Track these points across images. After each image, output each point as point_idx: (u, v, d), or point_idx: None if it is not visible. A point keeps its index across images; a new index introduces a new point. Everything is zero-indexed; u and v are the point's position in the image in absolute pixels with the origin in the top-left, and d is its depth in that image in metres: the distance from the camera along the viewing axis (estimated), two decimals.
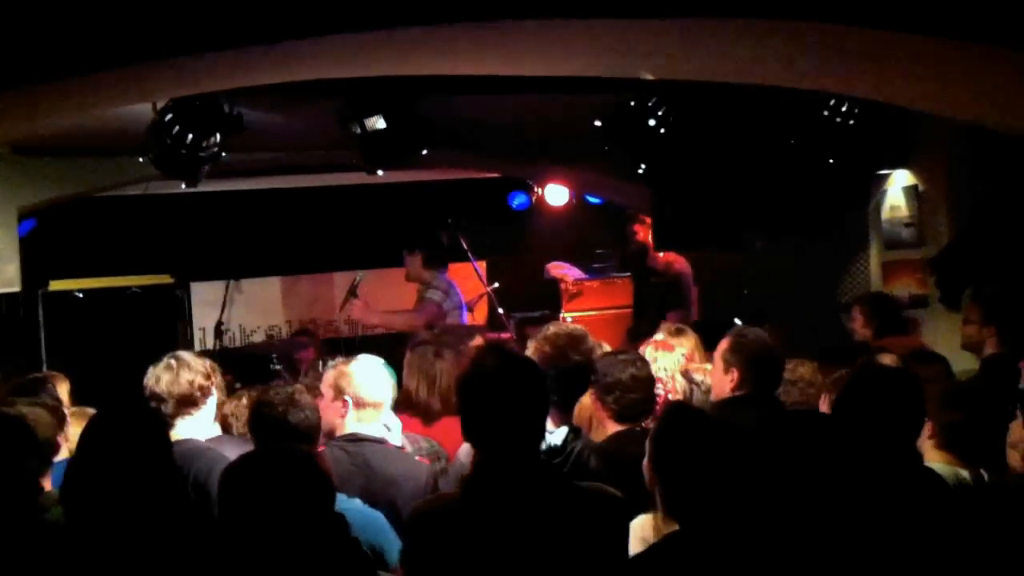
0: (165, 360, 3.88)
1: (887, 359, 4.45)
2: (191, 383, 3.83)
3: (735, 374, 4.00)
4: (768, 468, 3.05)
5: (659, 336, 4.83)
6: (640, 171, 4.53)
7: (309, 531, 2.53)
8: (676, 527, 2.83)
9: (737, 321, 5.98)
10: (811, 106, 4.94)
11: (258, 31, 3.15)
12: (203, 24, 3.10)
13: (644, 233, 7.66)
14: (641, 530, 3.10)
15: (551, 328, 3.85)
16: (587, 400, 3.93)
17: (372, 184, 8.58)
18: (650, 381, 3.97)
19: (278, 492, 2.52)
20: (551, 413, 3.41)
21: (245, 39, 3.16)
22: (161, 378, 3.83)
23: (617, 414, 3.89)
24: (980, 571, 2.90)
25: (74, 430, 4.00)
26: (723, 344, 4.11)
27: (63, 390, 4.42)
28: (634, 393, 3.89)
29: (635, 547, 2.98)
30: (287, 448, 2.96)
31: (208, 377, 3.89)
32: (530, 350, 3.81)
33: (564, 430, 3.59)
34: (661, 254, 7.58)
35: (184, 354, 3.97)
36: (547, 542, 2.70)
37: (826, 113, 4.81)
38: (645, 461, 2.99)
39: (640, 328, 6.48)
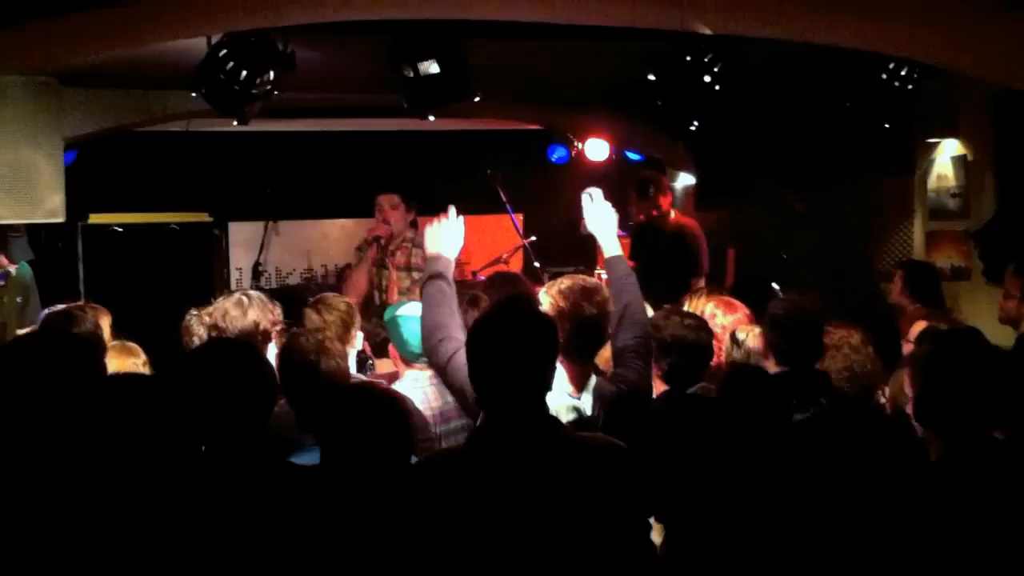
0: (236, 295, 3.90)
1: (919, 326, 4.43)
2: (256, 324, 3.83)
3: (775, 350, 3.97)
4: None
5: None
6: (692, 127, 4.47)
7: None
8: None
9: (774, 286, 5.95)
10: (867, 68, 4.86)
11: None
12: None
13: (665, 197, 7.57)
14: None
15: (564, 281, 3.65)
16: (606, 353, 3.89)
17: (412, 131, 8.57)
18: (708, 349, 3.96)
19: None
20: (571, 369, 3.45)
21: None
22: (228, 312, 3.83)
23: (667, 375, 3.91)
24: None
25: (116, 363, 4.05)
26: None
27: (104, 323, 4.41)
28: (690, 357, 3.90)
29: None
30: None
31: (273, 324, 3.88)
32: (544, 305, 3.74)
33: (590, 398, 3.53)
34: (673, 215, 7.49)
35: (255, 294, 3.97)
36: (553, 493, 2.70)
37: (884, 76, 4.72)
38: None
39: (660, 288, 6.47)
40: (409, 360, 4.11)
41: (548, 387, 2.86)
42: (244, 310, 3.83)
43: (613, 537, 2.71)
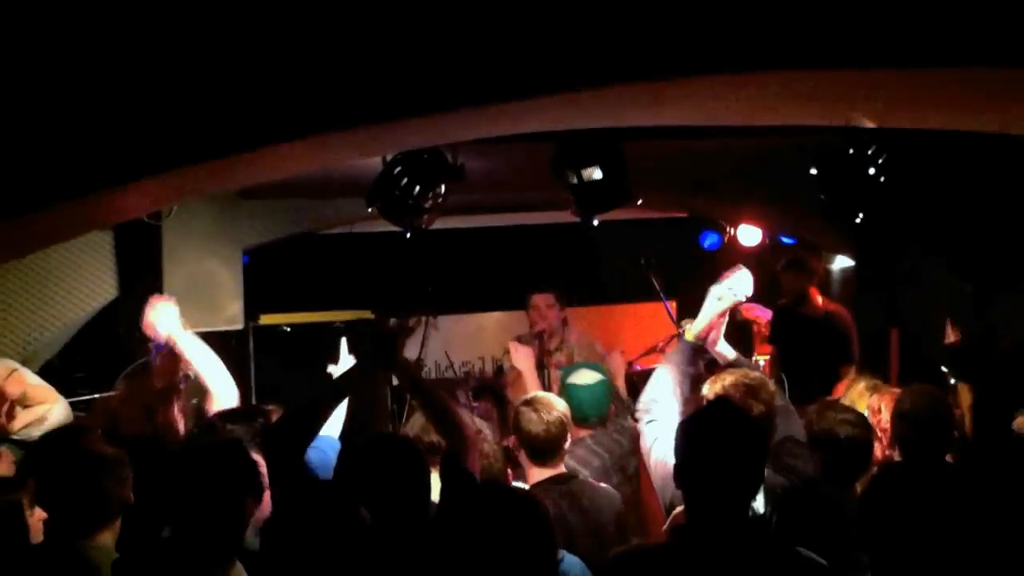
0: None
1: None
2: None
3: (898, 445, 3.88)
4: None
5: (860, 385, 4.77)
6: (858, 220, 4.45)
7: None
8: None
9: (944, 369, 5.76)
10: None
11: (485, 93, 3.28)
12: (438, 87, 3.26)
13: (816, 275, 7.45)
14: None
15: (727, 378, 3.73)
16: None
17: (560, 223, 8.72)
18: (867, 445, 3.89)
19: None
20: None
21: (474, 100, 3.31)
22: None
23: (824, 472, 3.84)
24: None
25: None
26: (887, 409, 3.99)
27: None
28: (849, 454, 3.83)
29: None
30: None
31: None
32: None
33: (760, 495, 3.51)
34: (820, 301, 7.34)
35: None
36: None
37: None
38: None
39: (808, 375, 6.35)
40: (578, 424, 4.46)
41: (756, 491, 2.87)
42: None
43: None
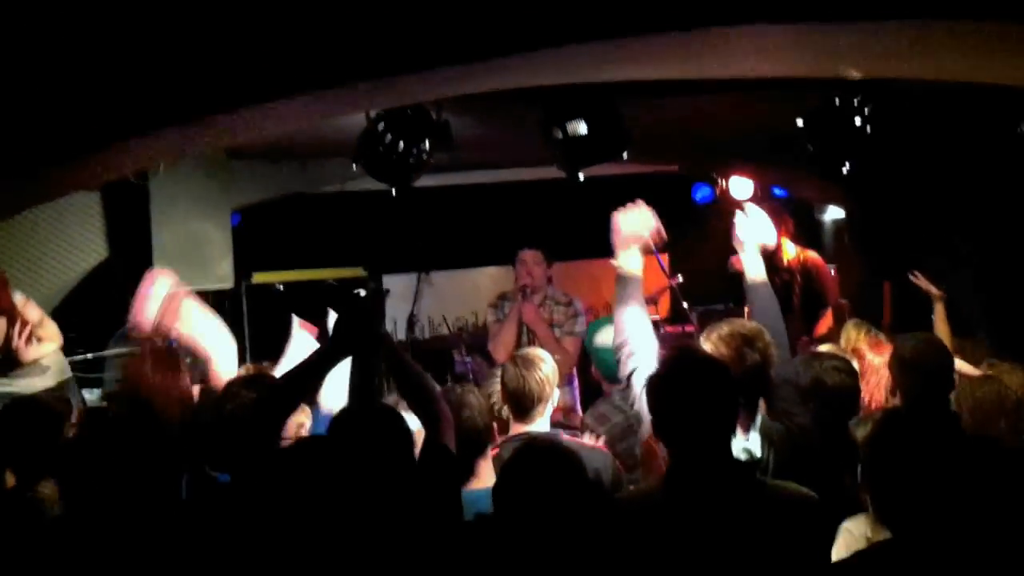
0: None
1: None
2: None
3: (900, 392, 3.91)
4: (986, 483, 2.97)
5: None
6: (844, 171, 4.44)
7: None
8: (886, 534, 2.81)
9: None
10: None
11: (470, 50, 3.27)
12: (423, 44, 3.24)
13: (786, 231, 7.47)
14: (850, 533, 3.09)
15: (724, 328, 3.69)
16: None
17: (551, 179, 8.69)
18: (856, 389, 3.92)
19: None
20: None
21: (458, 58, 3.29)
22: None
23: (815, 419, 3.88)
24: None
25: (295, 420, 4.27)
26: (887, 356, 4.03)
27: None
28: (839, 401, 3.87)
29: (842, 548, 2.97)
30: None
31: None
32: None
33: (758, 438, 3.55)
34: (793, 250, 7.38)
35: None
36: (748, 542, 2.74)
37: None
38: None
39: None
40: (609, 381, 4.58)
41: (733, 430, 2.92)
42: None
43: None
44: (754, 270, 4.13)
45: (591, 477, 2.88)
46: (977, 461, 2.76)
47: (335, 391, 4.05)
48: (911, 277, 5.54)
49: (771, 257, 7.31)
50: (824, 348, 4.74)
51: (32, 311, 5.21)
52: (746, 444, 3.47)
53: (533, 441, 3.23)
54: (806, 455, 3.60)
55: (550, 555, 2.63)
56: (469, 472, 3.63)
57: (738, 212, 4.23)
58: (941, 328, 5.34)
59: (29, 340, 5.09)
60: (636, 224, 4.06)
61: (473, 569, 2.72)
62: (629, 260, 4.03)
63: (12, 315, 5.05)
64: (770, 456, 3.54)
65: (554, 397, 4.09)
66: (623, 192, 9.04)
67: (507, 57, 3.28)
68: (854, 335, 5.12)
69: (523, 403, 3.99)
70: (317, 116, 4.13)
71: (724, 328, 3.71)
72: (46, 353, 5.28)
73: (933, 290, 5.45)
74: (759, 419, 3.54)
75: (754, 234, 4.19)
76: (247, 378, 4.31)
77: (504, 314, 6.21)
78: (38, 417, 3.82)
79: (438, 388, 3.59)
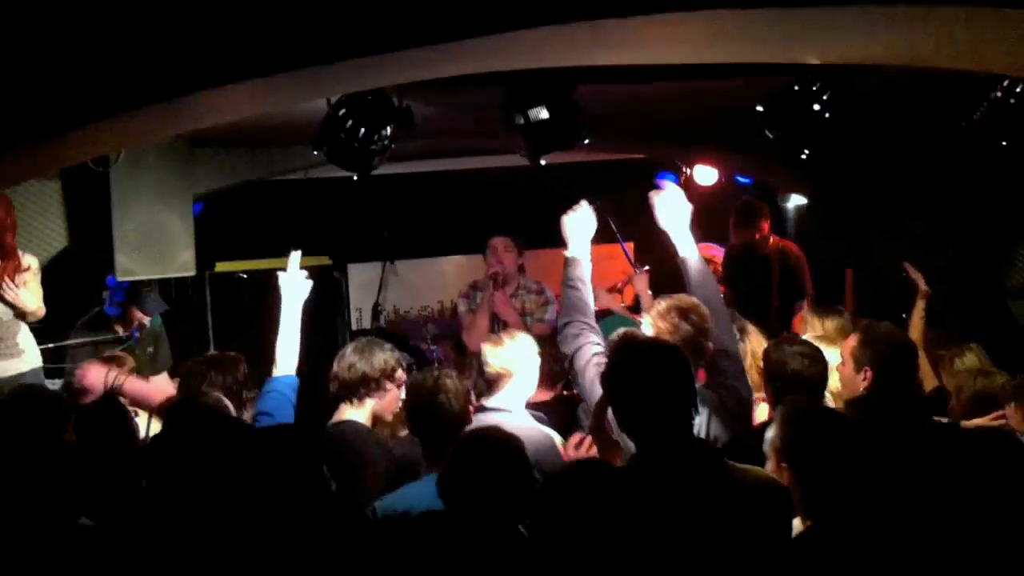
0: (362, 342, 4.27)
1: None
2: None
3: (867, 372, 3.94)
4: (904, 471, 3.04)
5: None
6: (803, 156, 4.48)
7: None
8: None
9: (904, 316, 5.81)
10: (982, 87, 4.78)
11: (429, 33, 3.26)
12: (381, 27, 3.23)
13: (765, 222, 7.52)
14: None
15: (662, 303, 3.92)
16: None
17: (518, 166, 8.68)
18: (819, 378, 3.96)
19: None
20: None
21: (417, 40, 3.28)
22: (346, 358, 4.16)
23: (774, 401, 3.93)
24: None
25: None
26: (852, 341, 4.06)
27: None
28: (796, 386, 3.90)
29: None
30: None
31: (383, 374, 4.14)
32: (648, 329, 3.90)
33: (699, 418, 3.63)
34: (771, 239, 7.43)
35: (377, 343, 4.27)
36: (716, 528, 2.76)
37: (999, 95, 4.64)
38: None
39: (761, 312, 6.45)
40: None
41: (695, 409, 2.98)
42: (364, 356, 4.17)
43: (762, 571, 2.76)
44: (684, 247, 4.24)
45: (531, 460, 2.95)
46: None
47: (287, 355, 4.20)
48: (904, 270, 5.60)
49: (751, 248, 7.40)
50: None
51: (33, 266, 5.59)
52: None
53: (475, 432, 3.32)
54: (740, 424, 3.81)
55: (491, 545, 2.66)
56: (442, 456, 3.65)
57: (653, 192, 4.36)
58: (916, 321, 5.41)
59: (15, 283, 5.43)
60: (580, 224, 4.41)
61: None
62: (576, 248, 4.34)
63: (9, 256, 5.44)
64: (705, 422, 3.71)
65: (524, 376, 4.20)
66: (590, 180, 9.15)
67: (459, 41, 3.29)
68: (818, 323, 5.19)
69: (489, 380, 4.20)
70: (271, 102, 4.09)
71: (662, 303, 3.93)
72: (25, 303, 5.52)
73: (921, 285, 5.51)
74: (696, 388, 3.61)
75: (674, 211, 4.31)
76: (210, 359, 4.35)
77: (476, 304, 6.21)
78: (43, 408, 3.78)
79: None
